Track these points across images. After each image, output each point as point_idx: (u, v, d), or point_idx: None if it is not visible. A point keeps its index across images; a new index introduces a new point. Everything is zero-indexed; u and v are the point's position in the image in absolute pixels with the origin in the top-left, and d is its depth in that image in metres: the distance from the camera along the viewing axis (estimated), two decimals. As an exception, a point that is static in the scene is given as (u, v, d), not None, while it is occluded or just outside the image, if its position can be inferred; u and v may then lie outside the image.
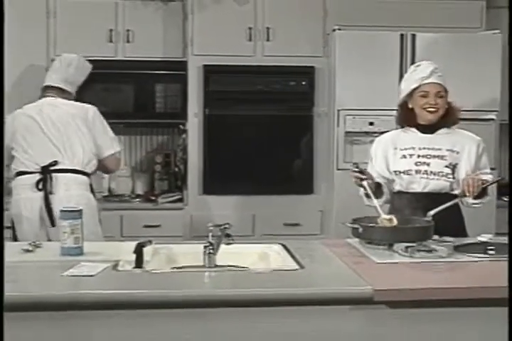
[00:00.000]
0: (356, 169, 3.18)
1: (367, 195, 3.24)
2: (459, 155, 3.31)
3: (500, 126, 4.79)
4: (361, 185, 3.19)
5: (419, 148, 3.32)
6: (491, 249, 2.83)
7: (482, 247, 2.86)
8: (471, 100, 4.52)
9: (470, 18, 4.92)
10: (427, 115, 3.31)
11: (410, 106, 3.36)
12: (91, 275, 2.44)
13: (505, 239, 2.98)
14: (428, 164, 3.28)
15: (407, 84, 3.37)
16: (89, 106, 3.93)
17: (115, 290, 2.31)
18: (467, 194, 3.12)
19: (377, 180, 3.31)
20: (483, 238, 2.92)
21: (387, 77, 4.49)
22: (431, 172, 3.28)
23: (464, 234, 3.28)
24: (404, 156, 3.33)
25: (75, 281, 2.39)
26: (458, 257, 2.77)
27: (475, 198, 3.19)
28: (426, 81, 3.29)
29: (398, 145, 3.37)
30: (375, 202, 3.11)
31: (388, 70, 4.54)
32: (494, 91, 4.69)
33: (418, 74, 3.32)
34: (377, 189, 3.27)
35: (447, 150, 3.31)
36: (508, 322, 2.20)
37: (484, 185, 3.14)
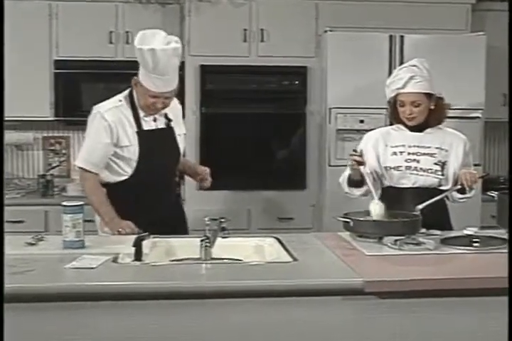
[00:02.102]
0: (357, 153, 3.18)
1: (350, 183, 3.27)
2: (448, 153, 3.31)
3: (485, 123, 4.79)
4: (355, 170, 3.19)
5: (409, 146, 3.31)
6: (476, 242, 2.84)
7: (467, 240, 2.86)
8: (457, 99, 4.49)
9: (456, 20, 4.92)
10: (407, 122, 3.32)
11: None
12: (92, 268, 2.43)
13: (489, 232, 3.00)
14: (418, 161, 3.27)
15: (388, 92, 3.36)
16: (97, 110, 3.27)
17: (115, 282, 2.30)
18: (466, 188, 3.13)
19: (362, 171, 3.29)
20: (469, 231, 2.92)
21: (377, 76, 4.46)
22: (420, 168, 3.27)
23: (450, 228, 3.28)
24: (394, 153, 3.32)
25: (77, 273, 2.39)
26: (444, 250, 2.77)
27: (462, 193, 3.21)
28: (400, 91, 3.27)
29: (389, 143, 3.35)
30: (360, 190, 3.19)
31: (378, 70, 4.53)
32: (479, 90, 4.69)
33: (394, 84, 3.29)
34: (360, 179, 3.27)
35: (436, 148, 3.30)
36: (508, 312, 2.20)
37: (481, 177, 3.17)
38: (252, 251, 2.97)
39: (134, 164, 3.24)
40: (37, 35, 4.84)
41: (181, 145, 3.43)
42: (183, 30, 4.86)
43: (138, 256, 2.60)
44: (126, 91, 3.33)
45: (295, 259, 2.61)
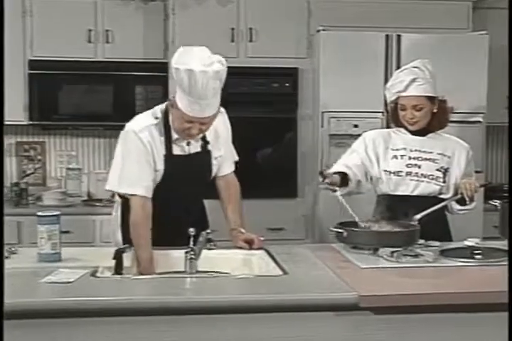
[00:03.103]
0: (326, 180, 3.12)
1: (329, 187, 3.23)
2: (450, 160, 3.33)
3: (487, 128, 4.81)
4: (334, 190, 3.16)
5: (411, 150, 3.33)
6: (478, 254, 2.85)
7: (468, 252, 2.88)
8: (457, 102, 4.51)
9: (456, 18, 4.94)
10: (408, 126, 3.34)
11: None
12: (69, 282, 2.42)
13: (491, 244, 3.01)
14: (419, 166, 3.29)
15: (388, 95, 3.39)
16: (131, 129, 3.06)
17: (94, 297, 2.29)
18: (466, 198, 3.14)
19: (345, 169, 3.28)
20: (470, 242, 2.94)
21: (372, 78, 4.50)
22: (421, 174, 3.28)
23: (449, 239, 3.29)
24: (395, 157, 3.34)
25: (53, 288, 2.38)
26: (444, 262, 2.79)
27: (462, 205, 3.22)
28: (402, 94, 3.29)
29: (390, 145, 3.37)
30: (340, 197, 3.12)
31: (373, 72, 4.55)
32: (481, 93, 4.70)
33: (395, 87, 3.32)
34: (343, 179, 3.24)
35: (438, 153, 3.33)
36: (508, 328, 2.21)
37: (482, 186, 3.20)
38: (240, 263, 2.97)
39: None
40: (10, 34, 4.80)
41: (215, 168, 3.25)
42: (167, 29, 4.88)
43: (118, 269, 2.60)
44: (162, 107, 3.12)
45: (285, 272, 2.61)
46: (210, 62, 2.85)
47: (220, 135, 3.24)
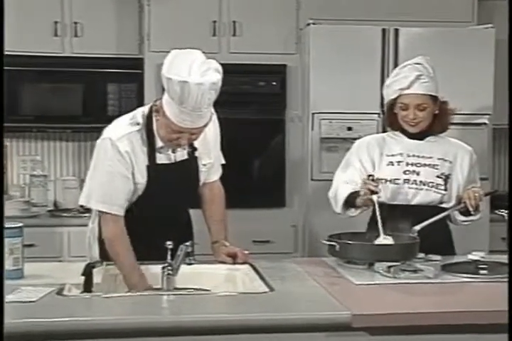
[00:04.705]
0: (372, 180, 3.15)
1: (348, 204, 3.26)
2: (452, 165, 3.35)
3: (494, 131, 4.83)
4: (365, 200, 3.16)
5: (408, 155, 3.35)
6: (483, 269, 2.87)
7: (473, 267, 2.89)
8: (460, 102, 4.53)
9: (460, 11, 4.97)
10: (408, 128, 3.35)
11: (395, 111, 3.37)
12: (32, 302, 2.42)
13: (498, 258, 3.02)
14: (418, 173, 3.31)
15: (388, 93, 3.40)
16: (108, 137, 3.00)
17: (60, 317, 2.28)
18: (470, 208, 3.15)
19: (355, 188, 3.29)
20: (474, 256, 2.95)
21: (368, 76, 4.52)
22: (420, 182, 3.30)
23: (452, 252, 3.31)
24: (391, 163, 3.35)
25: (14, 309, 2.36)
26: (446, 278, 2.81)
27: (465, 215, 3.24)
28: (404, 92, 3.30)
29: (385, 151, 3.39)
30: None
31: (368, 69, 4.57)
32: (487, 92, 4.73)
33: (397, 83, 3.33)
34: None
35: (439, 159, 3.34)
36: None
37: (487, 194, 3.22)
38: (222, 279, 2.99)
39: (134, 199, 3.07)
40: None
41: (203, 176, 3.24)
42: (142, 22, 4.88)
43: (88, 286, 2.60)
44: (145, 110, 3.08)
45: (272, 289, 2.62)
46: (205, 69, 2.82)
47: (209, 138, 3.23)
